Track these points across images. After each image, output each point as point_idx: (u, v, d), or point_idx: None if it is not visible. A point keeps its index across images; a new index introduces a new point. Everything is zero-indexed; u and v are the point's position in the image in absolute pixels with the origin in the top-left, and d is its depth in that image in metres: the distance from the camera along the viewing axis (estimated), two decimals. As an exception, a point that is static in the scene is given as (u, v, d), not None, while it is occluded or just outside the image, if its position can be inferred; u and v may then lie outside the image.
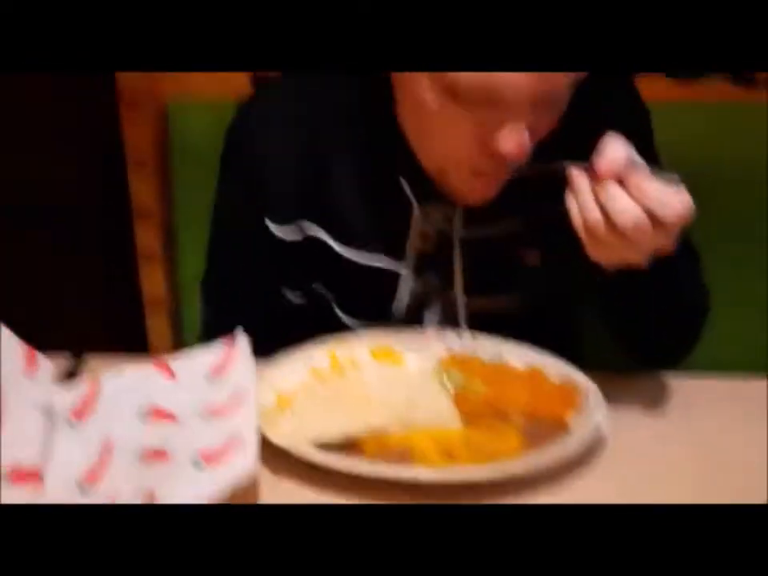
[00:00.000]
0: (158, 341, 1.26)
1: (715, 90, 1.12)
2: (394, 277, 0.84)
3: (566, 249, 0.81)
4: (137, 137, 1.20)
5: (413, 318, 0.87)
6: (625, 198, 0.62)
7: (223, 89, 1.18)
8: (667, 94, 1.16)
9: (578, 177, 0.65)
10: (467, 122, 0.68)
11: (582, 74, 0.68)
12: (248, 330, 0.88)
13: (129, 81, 1.18)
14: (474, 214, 0.81)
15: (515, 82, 0.64)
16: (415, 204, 0.81)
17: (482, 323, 0.85)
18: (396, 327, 0.85)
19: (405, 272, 0.83)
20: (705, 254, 0.85)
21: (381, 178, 0.81)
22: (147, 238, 1.21)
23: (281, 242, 0.84)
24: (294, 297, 0.89)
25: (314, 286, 0.88)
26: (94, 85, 1.26)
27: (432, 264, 0.84)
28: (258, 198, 0.84)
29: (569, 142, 0.80)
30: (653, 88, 1.07)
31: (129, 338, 1.24)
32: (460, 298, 0.85)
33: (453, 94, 0.66)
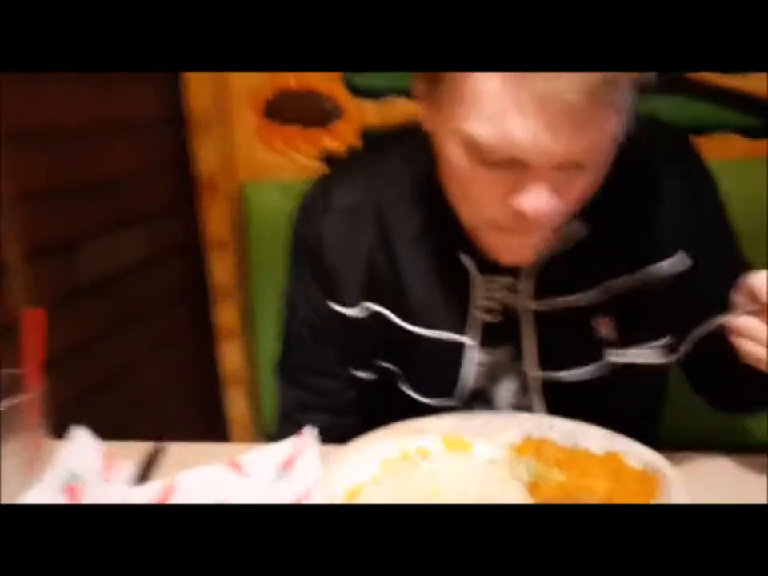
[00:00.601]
0: (237, 416, 1.30)
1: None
2: (461, 351, 0.83)
3: (640, 318, 0.79)
4: (215, 218, 1.25)
5: (483, 393, 0.86)
6: None
7: (295, 168, 1.22)
8: (736, 151, 1.13)
9: (745, 321, 0.66)
10: (493, 181, 0.68)
11: (616, 140, 0.66)
12: (321, 409, 0.90)
13: (206, 163, 1.24)
14: (546, 286, 0.80)
15: (536, 145, 0.63)
16: (476, 275, 0.81)
17: (555, 397, 0.83)
18: (466, 403, 0.84)
19: (470, 345, 0.83)
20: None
21: (441, 252, 0.82)
22: (226, 316, 1.25)
23: (347, 320, 0.86)
24: (363, 374, 0.90)
25: (381, 362, 0.88)
26: (172, 168, 1.32)
27: (499, 336, 0.84)
28: (323, 283, 0.86)
29: (626, 208, 0.79)
30: (722, 146, 1.04)
31: (209, 415, 1.28)
32: (531, 371, 0.84)
33: (478, 155, 0.66)
